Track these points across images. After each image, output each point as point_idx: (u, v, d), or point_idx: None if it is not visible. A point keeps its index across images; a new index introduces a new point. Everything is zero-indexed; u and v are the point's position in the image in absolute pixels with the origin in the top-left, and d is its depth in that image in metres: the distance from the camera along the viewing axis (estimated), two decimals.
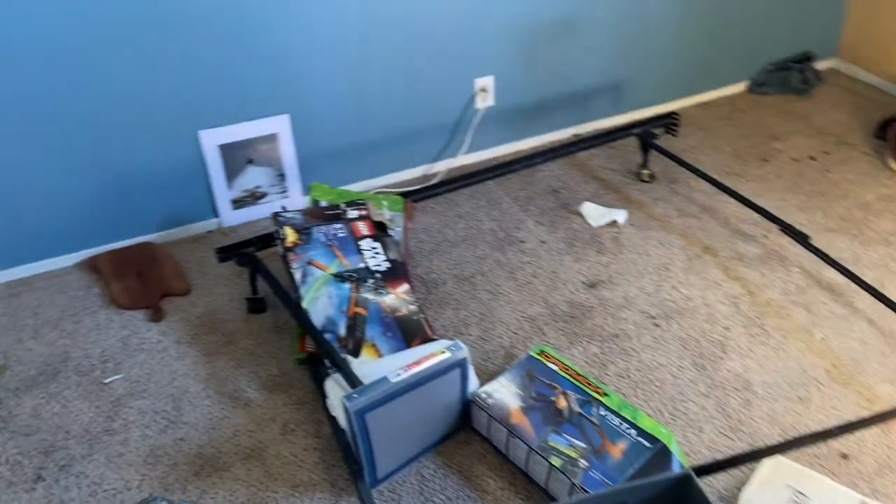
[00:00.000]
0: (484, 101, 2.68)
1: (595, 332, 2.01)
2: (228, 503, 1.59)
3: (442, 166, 2.75)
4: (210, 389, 1.86)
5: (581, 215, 2.47)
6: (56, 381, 1.88)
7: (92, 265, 2.26)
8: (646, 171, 2.63)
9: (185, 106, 2.20)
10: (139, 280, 2.18)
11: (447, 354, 1.62)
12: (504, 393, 1.71)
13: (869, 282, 2.02)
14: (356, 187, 2.61)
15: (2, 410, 1.80)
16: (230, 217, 2.45)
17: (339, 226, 2.04)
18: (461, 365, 1.65)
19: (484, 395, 1.70)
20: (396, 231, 2.14)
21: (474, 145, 2.76)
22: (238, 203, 2.45)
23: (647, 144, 2.57)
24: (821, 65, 3.28)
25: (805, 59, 3.16)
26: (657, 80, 2.98)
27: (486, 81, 2.64)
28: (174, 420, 1.78)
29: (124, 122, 2.15)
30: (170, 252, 2.32)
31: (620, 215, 2.43)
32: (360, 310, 1.88)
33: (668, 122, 2.58)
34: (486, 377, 1.83)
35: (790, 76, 3.10)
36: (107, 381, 1.88)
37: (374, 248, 2.01)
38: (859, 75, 3.23)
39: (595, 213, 2.46)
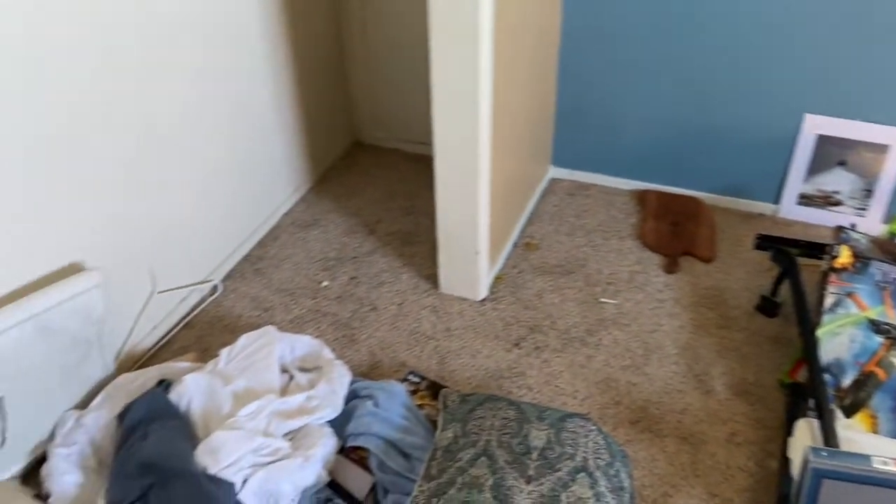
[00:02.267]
0: None
1: None
2: (646, 464, 1.58)
3: None
4: (682, 358, 1.83)
5: None
6: (566, 278, 2.10)
7: (640, 197, 2.39)
8: None
9: (803, 84, 2.05)
10: (672, 229, 2.22)
11: None
12: None
13: None
14: None
15: (519, 279, 2.10)
16: (790, 209, 2.27)
17: None
18: None
19: None
20: None
21: None
22: (806, 199, 2.24)
23: None
24: None
25: None
26: None
27: None
28: (638, 365, 1.82)
29: (734, 84, 2.12)
30: (712, 216, 2.29)
31: None
32: (878, 370, 1.56)
33: None
34: None
35: None
36: (603, 300, 2.01)
37: None
38: None
39: None
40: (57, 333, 1.50)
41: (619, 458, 1.46)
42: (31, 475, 1.52)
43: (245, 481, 1.38)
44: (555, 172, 2.53)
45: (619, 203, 2.40)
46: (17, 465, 1.51)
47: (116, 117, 1.64)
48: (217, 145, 1.99)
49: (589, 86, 2.31)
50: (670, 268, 2.11)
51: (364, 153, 2.71)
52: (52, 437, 1.54)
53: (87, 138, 1.57)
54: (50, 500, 1.42)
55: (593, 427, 1.48)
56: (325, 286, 2.08)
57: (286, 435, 1.50)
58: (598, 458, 1.42)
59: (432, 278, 2.09)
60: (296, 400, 1.54)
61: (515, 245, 2.23)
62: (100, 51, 1.56)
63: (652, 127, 2.30)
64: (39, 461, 1.52)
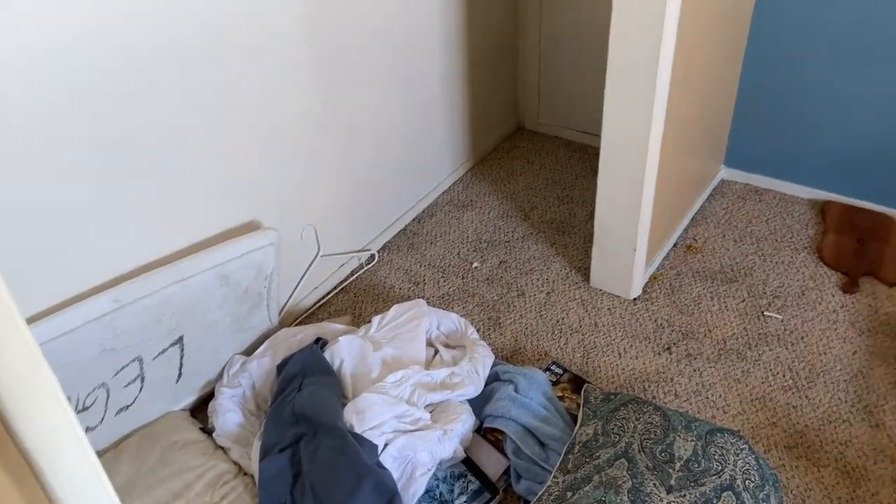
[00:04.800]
0: None
1: None
2: (799, 493, 1.47)
3: None
4: (852, 386, 1.67)
5: None
6: (728, 286, 1.98)
7: (822, 207, 2.20)
8: None
9: None
10: (856, 246, 2.03)
11: None
12: None
13: None
14: None
15: (677, 281, 2.01)
16: None
17: None
18: None
19: None
20: None
21: None
22: None
23: None
24: None
25: None
26: None
27: None
28: (800, 387, 1.68)
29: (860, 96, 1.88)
30: None
31: None
32: None
33: None
34: None
35: None
36: (767, 314, 1.88)
37: None
38: None
39: None
40: (233, 284, 1.63)
41: (771, 482, 1.36)
42: (200, 409, 1.68)
43: (386, 445, 1.43)
44: (727, 173, 2.39)
45: (797, 212, 2.22)
46: (189, 399, 1.67)
47: (304, 88, 1.74)
48: (387, 119, 2.06)
49: (777, 78, 2.14)
50: (849, 287, 1.92)
51: (526, 139, 2.70)
52: (220, 377, 1.69)
53: (277, 111, 1.69)
54: (214, 433, 1.56)
55: (745, 445, 1.39)
56: (476, 267, 2.11)
57: (427, 406, 1.55)
58: (748, 479, 1.34)
59: (584, 271, 2.05)
60: (440, 374, 1.58)
61: (676, 245, 2.13)
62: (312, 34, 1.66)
63: (845, 132, 2.10)
64: (207, 398, 1.67)
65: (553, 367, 1.75)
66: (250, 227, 1.73)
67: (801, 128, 2.17)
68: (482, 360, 1.62)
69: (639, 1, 1.54)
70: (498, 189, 2.43)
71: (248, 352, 1.74)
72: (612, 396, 1.55)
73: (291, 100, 1.72)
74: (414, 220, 2.31)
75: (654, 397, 1.68)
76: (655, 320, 1.89)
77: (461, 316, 1.77)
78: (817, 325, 1.83)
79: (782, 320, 1.86)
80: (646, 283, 2.00)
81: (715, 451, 1.37)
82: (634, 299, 1.95)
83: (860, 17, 1.93)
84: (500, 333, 1.88)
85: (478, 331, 1.75)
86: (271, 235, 1.66)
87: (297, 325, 1.89)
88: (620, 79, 1.65)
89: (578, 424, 1.51)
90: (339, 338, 1.64)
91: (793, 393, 1.67)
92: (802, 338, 1.80)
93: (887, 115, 2.01)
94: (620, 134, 1.72)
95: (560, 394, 1.67)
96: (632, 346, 1.82)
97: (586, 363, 1.78)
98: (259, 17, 1.57)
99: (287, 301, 1.91)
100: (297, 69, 1.71)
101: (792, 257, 2.05)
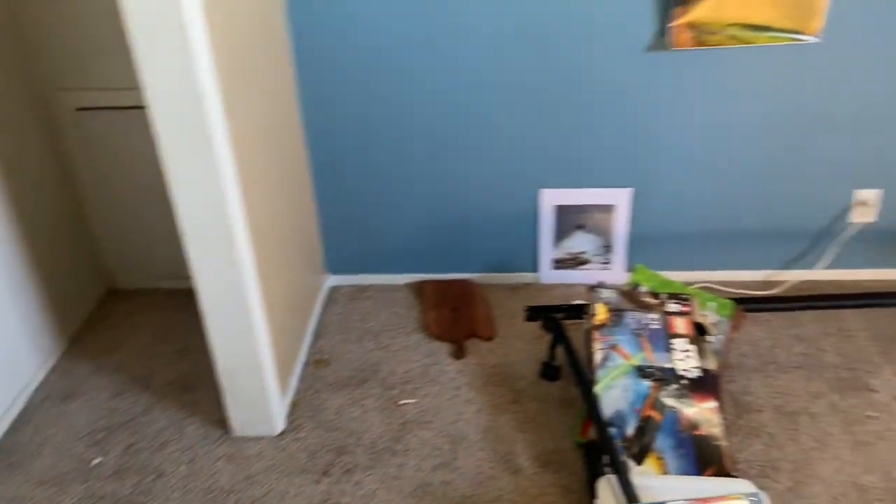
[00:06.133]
0: (862, 216, 2.30)
1: None
2: None
3: (790, 276, 2.42)
4: (486, 442, 1.87)
5: None
6: (362, 387, 2.07)
7: (418, 288, 2.46)
8: None
9: (536, 164, 2.28)
10: (453, 315, 2.31)
11: None
12: None
13: None
14: (682, 276, 2.44)
15: (316, 400, 2.03)
16: (547, 275, 2.47)
17: (654, 316, 1.90)
18: None
19: None
20: (717, 338, 1.93)
21: (837, 262, 2.38)
22: (559, 264, 2.45)
23: None
24: None
25: None
26: None
27: (870, 195, 2.26)
28: (448, 461, 1.82)
29: (478, 170, 2.29)
30: (486, 295, 2.42)
31: None
32: (654, 413, 1.73)
33: None
34: None
35: None
36: (402, 402, 2.01)
37: (686, 350, 1.84)
38: None
39: None
40: None
41: None
42: None
43: None
44: (333, 280, 2.52)
45: (400, 299, 2.44)
46: None
47: None
48: None
49: (347, 191, 2.35)
50: (458, 353, 2.17)
51: (121, 300, 2.49)
52: None
53: None
54: None
55: None
56: (98, 463, 1.84)
57: None
58: None
59: (223, 423, 1.94)
60: None
61: (306, 365, 2.16)
62: None
63: (413, 220, 2.40)
64: None
65: None
66: None
67: (378, 224, 2.41)
68: None
69: (190, 148, 1.53)
70: (102, 366, 2.18)
71: None
72: None
73: None
74: (7, 433, 1.93)
75: None
76: (307, 448, 1.87)
77: None
78: (445, 397, 2.02)
79: (416, 403, 2.00)
80: (288, 413, 1.97)
81: None
82: (281, 434, 1.91)
83: (398, 126, 2.24)
84: None
85: None
86: None
87: None
88: (192, 223, 1.62)
89: None
90: None
91: (443, 470, 1.80)
92: (436, 413, 1.97)
93: (439, 195, 2.36)
94: (213, 276, 1.68)
95: None
96: (291, 484, 1.77)
97: None
98: None
99: None
100: None
101: (407, 342, 2.24)
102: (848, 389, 1.97)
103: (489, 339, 2.24)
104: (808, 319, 2.23)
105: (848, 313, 2.24)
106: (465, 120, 2.21)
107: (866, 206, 2.28)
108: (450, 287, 2.44)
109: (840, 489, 1.69)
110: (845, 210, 2.30)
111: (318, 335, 2.28)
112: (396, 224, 2.41)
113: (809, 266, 2.41)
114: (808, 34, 2.00)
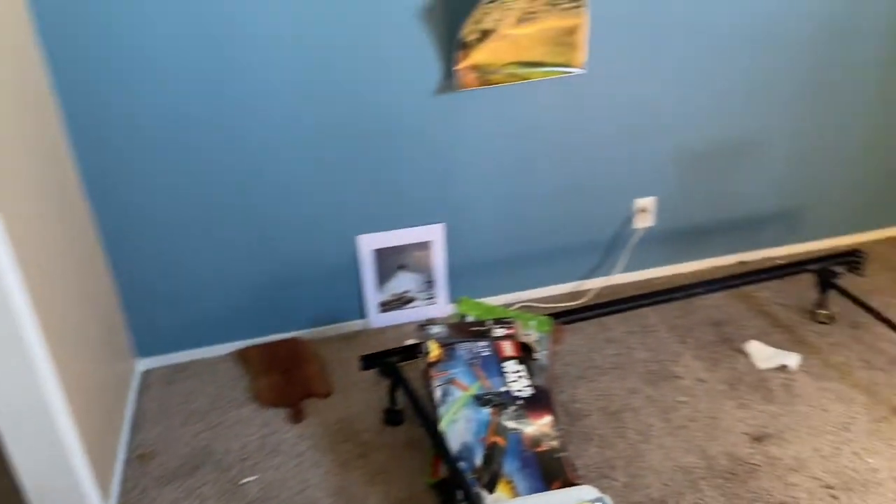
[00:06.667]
0: (643, 222, 2.57)
1: (760, 496, 1.77)
2: None
3: (593, 284, 2.64)
4: (341, 503, 1.81)
5: (746, 354, 2.25)
6: (195, 475, 1.91)
7: (243, 356, 2.34)
8: (823, 312, 2.38)
9: (349, 211, 2.28)
10: (284, 378, 2.22)
11: None
12: None
13: None
14: (504, 299, 2.56)
15: (144, 499, 1.84)
16: (377, 319, 2.47)
17: (483, 343, 1.97)
18: None
19: None
20: (542, 354, 2.04)
21: (630, 265, 2.64)
22: (386, 306, 2.46)
23: (826, 283, 2.33)
24: None
25: None
26: (837, 209, 2.74)
27: (647, 202, 2.54)
28: None
29: (290, 223, 2.24)
30: (316, 350, 2.35)
31: (792, 359, 2.19)
32: (498, 439, 1.78)
33: (852, 259, 2.34)
34: None
35: None
36: (242, 482, 1.89)
37: (517, 371, 1.92)
38: None
39: (762, 354, 2.23)
40: None
41: None
42: None
43: None
44: (145, 364, 2.32)
45: (224, 371, 2.30)
46: None
47: None
48: None
49: (147, 262, 2.18)
50: (296, 417, 2.09)
51: None
52: None
53: None
54: None
55: None
56: None
57: None
58: None
59: None
60: None
61: (128, 462, 1.95)
62: None
63: (227, 283, 2.28)
64: None
65: None
66: None
67: (187, 294, 2.26)
68: None
69: None
70: None
71: None
72: None
73: None
74: None
75: None
76: None
77: None
78: (289, 466, 1.93)
79: (258, 479, 1.89)
80: None
81: None
82: None
83: (194, 188, 2.12)
84: None
85: None
86: None
87: None
88: None
89: None
90: None
91: None
92: (282, 485, 1.87)
93: (251, 253, 2.27)
94: (4, 385, 1.48)
95: None
96: None
97: None
98: None
99: None
100: None
101: (239, 415, 2.11)
102: (658, 381, 2.18)
103: (326, 395, 2.18)
104: (615, 322, 2.44)
105: (647, 311, 2.48)
106: (272, 176, 2.16)
107: (646, 213, 2.56)
108: (277, 349, 2.34)
109: (668, 475, 1.85)
110: (630, 218, 2.56)
111: (136, 427, 2.08)
112: (209, 291, 2.27)
113: (608, 273, 2.64)
114: (575, 66, 2.21)
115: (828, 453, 1.89)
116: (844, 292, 2.29)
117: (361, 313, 2.46)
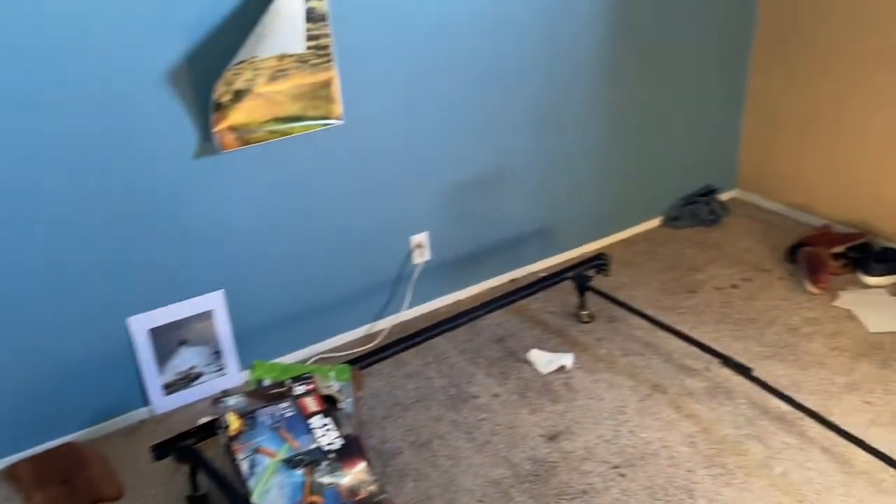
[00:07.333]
0: (421, 257, 2.70)
1: (563, 490, 1.95)
2: None
3: (384, 324, 2.71)
4: None
5: (529, 363, 2.46)
6: None
7: (11, 475, 2.04)
8: (585, 313, 2.68)
9: (114, 293, 2.11)
10: (65, 488, 1.97)
11: None
12: None
13: (813, 408, 2.07)
14: (297, 354, 2.52)
15: None
16: (162, 403, 2.30)
17: (285, 405, 1.93)
18: None
19: None
20: (347, 402, 2.06)
21: (415, 300, 2.75)
22: (171, 387, 2.31)
23: (582, 287, 2.64)
24: (725, 196, 3.53)
25: (709, 192, 3.39)
26: (581, 221, 3.11)
27: (421, 238, 2.68)
28: None
29: (44, 317, 2.02)
30: (98, 450, 2.13)
31: (567, 359, 2.44)
32: (315, 498, 1.75)
33: (599, 262, 2.67)
34: None
35: (698, 209, 3.31)
36: None
37: (325, 424, 1.91)
38: (760, 203, 3.49)
39: (542, 360, 2.45)
40: None
41: None
42: None
43: None
44: None
45: None
46: None
47: None
48: None
49: None
50: None
51: None
52: None
53: None
54: None
55: None
56: None
57: None
58: None
59: None
60: None
61: None
62: None
63: None
64: None
65: None
66: None
67: None
68: None
69: None
70: None
71: None
72: None
73: None
74: None
75: None
76: None
77: None
78: None
79: None
80: None
81: None
82: None
83: None
84: None
85: None
86: None
87: None
88: None
89: None
90: None
91: None
92: None
93: (16, 350, 2.00)
94: None
95: None
96: None
97: None
98: None
99: None
100: None
101: None
102: (458, 403, 2.30)
103: (117, 497, 1.97)
104: (410, 357, 2.53)
105: (437, 340, 2.60)
106: (27, 269, 1.93)
107: (422, 248, 2.69)
108: (50, 458, 2.08)
109: (481, 491, 1.96)
110: (408, 255, 2.68)
111: None
112: None
113: (397, 310, 2.73)
114: (334, 118, 2.28)
115: (610, 437, 2.13)
116: (598, 292, 2.60)
117: (144, 400, 2.28)
